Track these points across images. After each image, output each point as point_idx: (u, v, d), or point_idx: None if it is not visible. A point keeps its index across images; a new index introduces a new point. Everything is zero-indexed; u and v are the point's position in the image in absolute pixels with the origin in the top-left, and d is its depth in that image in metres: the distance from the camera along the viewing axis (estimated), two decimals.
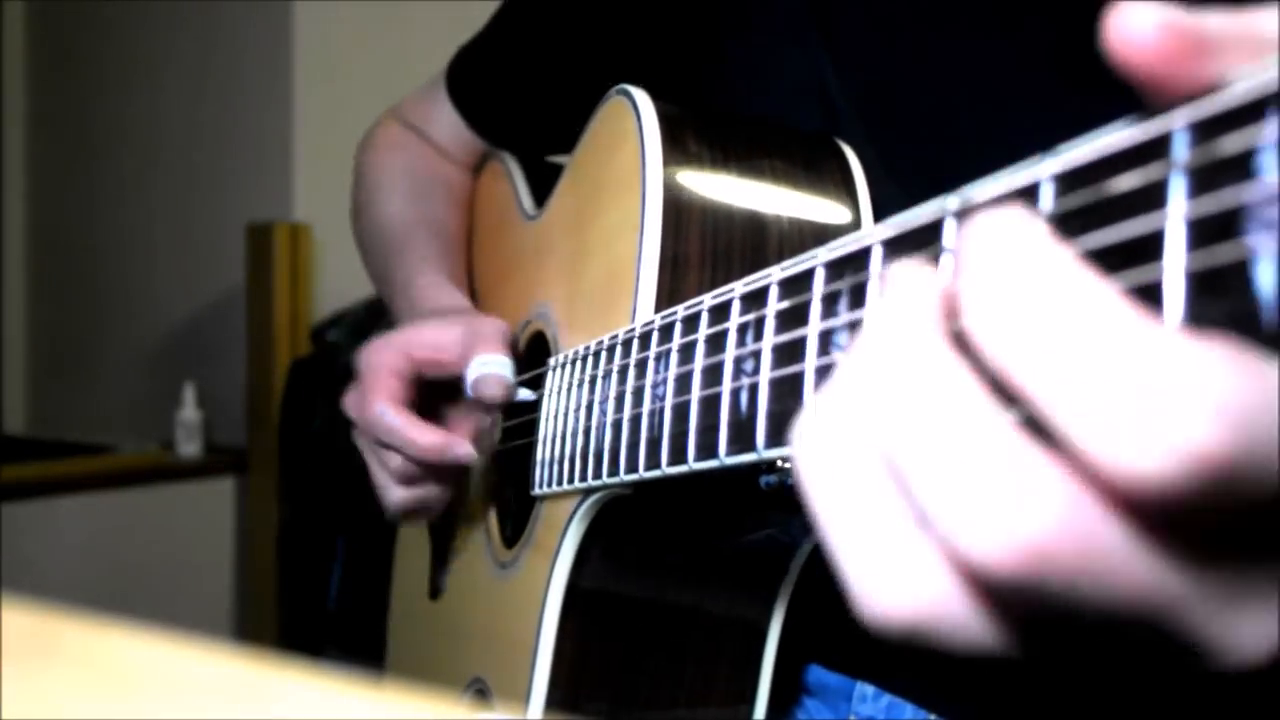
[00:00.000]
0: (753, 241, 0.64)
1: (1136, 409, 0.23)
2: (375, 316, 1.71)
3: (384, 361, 0.74)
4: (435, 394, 0.78)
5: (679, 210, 0.64)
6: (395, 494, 0.78)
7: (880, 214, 0.66)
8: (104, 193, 2.80)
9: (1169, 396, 0.23)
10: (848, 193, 0.67)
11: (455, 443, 0.74)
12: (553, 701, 0.66)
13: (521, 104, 0.95)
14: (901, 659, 0.72)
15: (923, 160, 0.69)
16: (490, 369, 0.72)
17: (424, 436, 0.73)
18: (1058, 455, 0.25)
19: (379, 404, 0.73)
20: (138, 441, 2.61)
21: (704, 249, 0.64)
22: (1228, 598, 0.26)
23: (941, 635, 0.27)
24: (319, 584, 1.81)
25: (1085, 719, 0.68)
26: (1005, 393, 0.26)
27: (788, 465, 0.56)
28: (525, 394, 0.74)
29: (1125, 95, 0.28)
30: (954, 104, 0.68)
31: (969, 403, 0.26)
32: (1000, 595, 0.26)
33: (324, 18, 2.43)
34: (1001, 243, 0.26)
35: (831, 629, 0.74)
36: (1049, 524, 0.24)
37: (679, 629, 0.68)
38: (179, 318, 2.65)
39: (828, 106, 0.73)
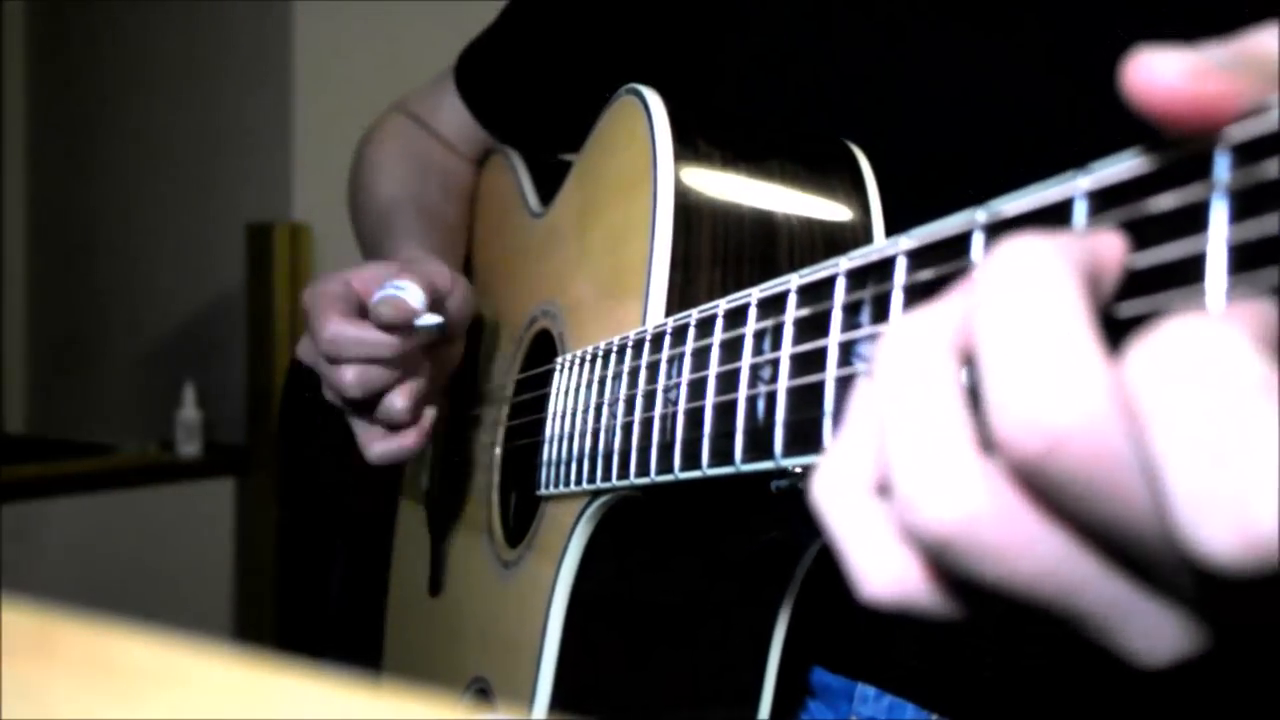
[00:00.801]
0: (763, 243, 0.64)
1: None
2: None
3: (327, 291, 0.75)
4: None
5: (689, 210, 0.64)
6: (375, 439, 0.77)
7: (890, 216, 0.66)
8: (104, 193, 2.80)
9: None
10: (858, 194, 0.67)
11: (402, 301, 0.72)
12: (557, 701, 0.66)
13: (529, 99, 0.95)
14: (902, 660, 0.72)
15: (927, 162, 0.69)
16: (389, 291, 0.72)
17: (385, 336, 0.72)
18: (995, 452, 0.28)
19: (331, 323, 0.73)
20: (138, 441, 2.61)
21: (715, 249, 0.63)
22: (1122, 599, 0.29)
23: (913, 604, 0.31)
24: (319, 584, 1.80)
25: (1084, 718, 0.68)
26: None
27: (798, 469, 0.56)
28: (429, 320, 0.73)
29: (1122, 102, 0.28)
30: (957, 105, 0.68)
31: (939, 405, 0.29)
32: (938, 567, 0.30)
33: (324, 18, 2.43)
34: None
35: (833, 631, 0.74)
36: (965, 508, 0.28)
37: (684, 631, 0.68)
38: (179, 318, 2.65)
39: (834, 106, 0.73)
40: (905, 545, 0.30)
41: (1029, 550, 0.28)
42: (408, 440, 0.77)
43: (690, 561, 0.67)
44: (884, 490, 0.31)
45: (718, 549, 0.67)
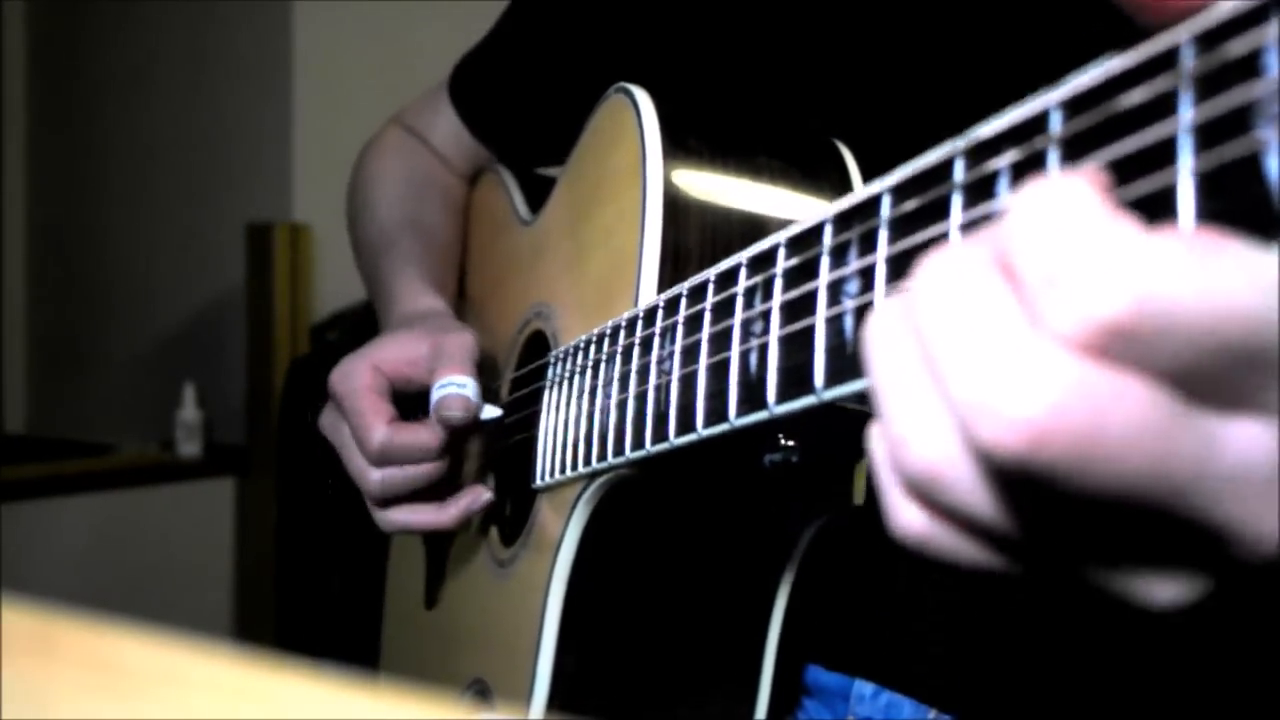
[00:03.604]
0: (751, 238, 0.64)
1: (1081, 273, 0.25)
2: (375, 316, 1.70)
3: (363, 383, 0.74)
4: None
5: (679, 204, 0.64)
6: (399, 514, 0.77)
7: None
8: (104, 193, 2.80)
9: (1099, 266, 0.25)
10: (844, 191, 0.67)
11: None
12: (554, 699, 0.66)
13: (524, 112, 0.95)
14: (900, 655, 0.72)
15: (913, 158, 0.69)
16: (450, 390, 0.72)
17: (437, 436, 0.73)
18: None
19: (380, 429, 0.72)
20: (138, 441, 2.61)
21: (703, 244, 0.64)
22: (1235, 468, 0.26)
23: (954, 508, 0.29)
24: (318, 585, 1.80)
25: (1083, 716, 0.68)
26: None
27: (790, 443, 0.56)
28: (489, 412, 0.74)
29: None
30: (946, 102, 0.68)
31: (994, 300, 0.27)
32: (1012, 483, 0.27)
33: (324, 18, 2.43)
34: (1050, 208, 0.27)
35: (829, 627, 0.74)
36: (1050, 401, 0.25)
37: (681, 628, 0.68)
38: (179, 318, 2.65)
39: (823, 108, 0.73)
40: (961, 444, 0.28)
41: (1136, 430, 0.25)
42: (442, 518, 0.76)
43: (685, 551, 0.68)
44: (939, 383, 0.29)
45: (711, 537, 0.67)
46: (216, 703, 0.25)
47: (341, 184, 1.05)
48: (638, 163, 0.65)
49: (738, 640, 0.68)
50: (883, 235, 0.37)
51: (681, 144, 0.66)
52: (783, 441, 0.55)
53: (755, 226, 0.65)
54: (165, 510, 2.47)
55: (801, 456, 0.56)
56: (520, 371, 0.82)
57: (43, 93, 2.96)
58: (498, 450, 0.84)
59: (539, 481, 0.71)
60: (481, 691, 0.78)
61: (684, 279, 0.55)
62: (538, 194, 0.88)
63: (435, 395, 0.72)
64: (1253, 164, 0.25)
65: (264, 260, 2.33)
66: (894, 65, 0.71)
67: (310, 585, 1.87)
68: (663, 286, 0.62)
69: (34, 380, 2.99)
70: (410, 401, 0.76)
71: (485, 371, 0.89)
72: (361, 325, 1.89)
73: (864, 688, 0.74)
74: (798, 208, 0.66)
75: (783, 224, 0.67)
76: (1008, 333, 0.26)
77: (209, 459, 2.50)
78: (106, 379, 2.81)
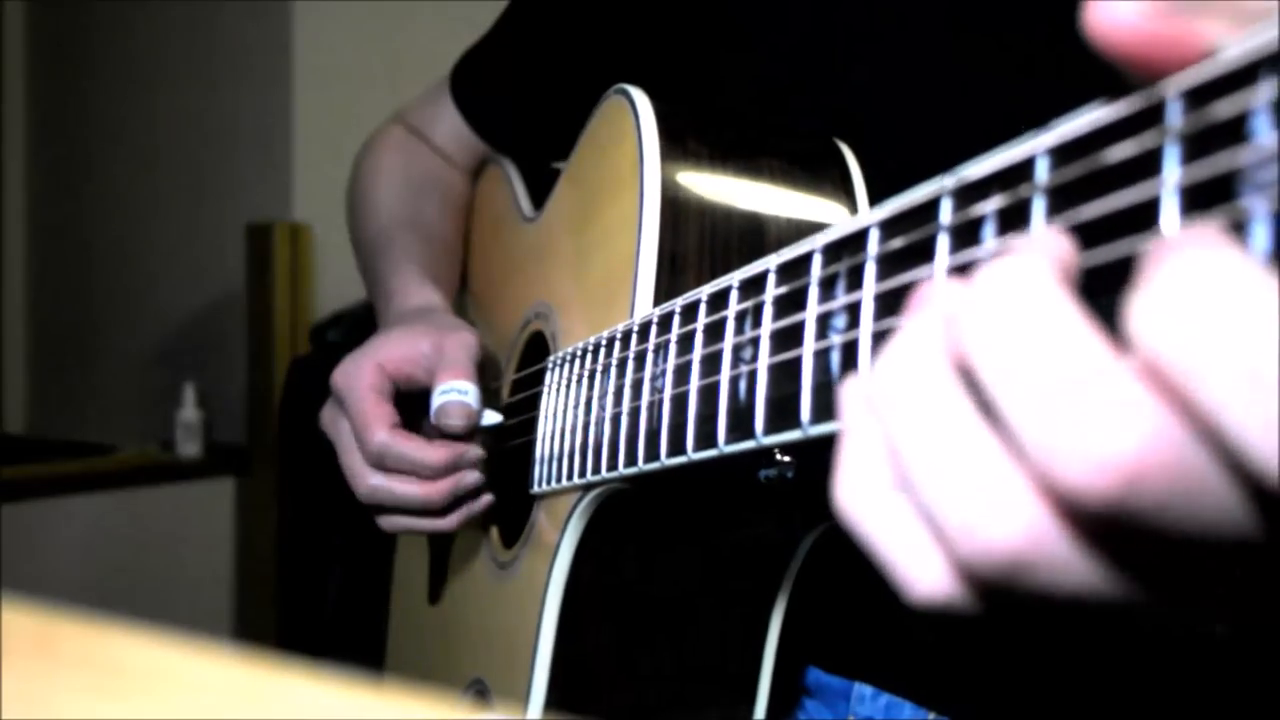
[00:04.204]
0: (751, 240, 0.64)
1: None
2: (375, 316, 1.70)
3: (366, 383, 0.73)
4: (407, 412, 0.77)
5: (677, 207, 0.64)
6: (400, 520, 0.77)
7: None
8: (104, 193, 2.80)
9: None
10: (845, 193, 0.67)
11: (464, 449, 0.73)
12: (552, 700, 0.66)
13: (525, 108, 0.95)
14: (899, 659, 0.72)
15: (915, 160, 0.69)
16: (451, 397, 0.72)
17: (435, 453, 0.72)
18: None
19: (380, 432, 0.72)
20: (138, 441, 2.61)
21: (702, 247, 0.64)
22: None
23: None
24: (319, 584, 1.80)
25: (1084, 718, 0.68)
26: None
27: (785, 459, 0.56)
28: (490, 418, 0.74)
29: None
30: (948, 105, 0.68)
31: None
32: (1095, 524, 0.27)
33: (324, 18, 2.43)
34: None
35: (828, 631, 0.74)
36: (1138, 443, 0.25)
37: (678, 629, 0.68)
38: (179, 318, 2.65)
39: (825, 109, 0.73)
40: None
41: (1220, 475, 0.25)
42: (444, 524, 0.75)
43: (682, 558, 0.68)
44: (905, 487, 0.30)
45: (709, 544, 0.67)
46: (216, 703, 0.25)
47: (341, 184, 1.05)
48: (636, 166, 0.65)
49: (737, 644, 0.68)
50: (869, 271, 0.37)
51: (680, 145, 0.65)
52: (778, 456, 0.55)
53: (756, 228, 0.65)
54: (165, 510, 2.47)
55: (797, 472, 0.56)
56: (520, 374, 0.82)
57: (43, 93, 2.96)
58: (499, 452, 0.84)
59: (536, 488, 0.71)
60: (481, 692, 0.78)
61: (682, 284, 0.55)
62: (541, 187, 0.88)
63: (436, 401, 0.72)
64: (1237, 232, 0.25)
65: (264, 260, 2.33)
66: (896, 64, 0.71)
67: (311, 585, 1.87)
68: (660, 292, 0.62)
69: (34, 380, 2.99)
70: (411, 401, 0.76)
71: (487, 369, 0.89)
72: (361, 325, 1.88)
73: (865, 688, 0.74)
74: (799, 208, 0.66)
75: (784, 224, 0.67)
76: (982, 465, 0.27)
77: (209, 459, 2.50)
78: (106, 379, 2.81)
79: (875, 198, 0.67)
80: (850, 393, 0.32)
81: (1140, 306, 0.24)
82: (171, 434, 2.51)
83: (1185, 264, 0.24)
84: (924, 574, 0.29)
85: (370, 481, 0.73)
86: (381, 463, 0.72)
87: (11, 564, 2.16)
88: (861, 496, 0.31)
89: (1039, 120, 0.67)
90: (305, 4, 2.41)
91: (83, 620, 0.28)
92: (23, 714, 0.24)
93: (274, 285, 2.32)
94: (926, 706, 0.71)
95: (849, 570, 0.71)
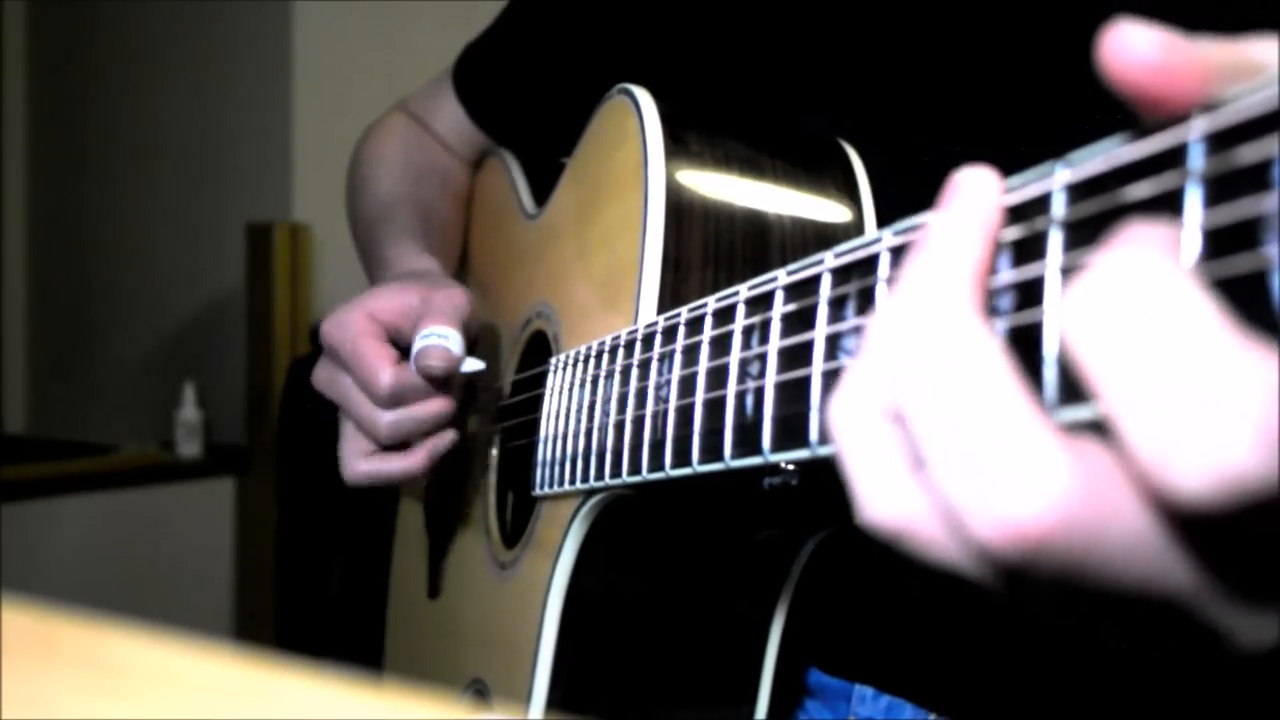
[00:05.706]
0: (755, 242, 0.64)
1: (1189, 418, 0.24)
2: None
3: (360, 329, 0.73)
4: None
5: (681, 210, 0.64)
6: (411, 459, 0.76)
7: (882, 214, 0.66)
8: (104, 193, 2.80)
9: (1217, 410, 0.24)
10: (850, 194, 0.67)
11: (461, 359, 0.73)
12: (553, 702, 0.66)
13: (527, 101, 0.95)
14: (900, 660, 0.72)
15: (919, 161, 0.69)
16: (432, 340, 0.71)
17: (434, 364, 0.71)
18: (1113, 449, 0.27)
19: (389, 370, 0.71)
20: (138, 441, 2.61)
21: (706, 249, 0.63)
22: (1237, 591, 0.27)
23: (913, 535, 0.31)
24: (318, 584, 1.80)
25: (1083, 718, 0.68)
26: (1078, 390, 0.27)
27: (790, 466, 0.56)
28: (471, 364, 0.73)
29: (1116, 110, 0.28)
30: (952, 104, 0.68)
31: (991, 373, 0.28)
32: (1003, 573, 0.29)
33: (324, 18, 2.43)
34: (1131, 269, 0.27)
35: (829, 632, 0.74)
36: (1045, 504, 0.26)
37: (680, 630, 0.68)
38: (179, 318, 2.65)
39: (829, 107, 0.73)
40: (916, 479, 0.30)
41: (1138, 544, 0.26)
42: (410, 462, 0.75)
43: (685, 561, 0.67)
44: (897, 419, 0.31)
45: (712, 548, 0.67)
46: (216, 703, 0.25)
47: (341, 184, 1.05)
48: (639, 167, 0.65)
49: (738, 645, 0.68)
50: (881, 293, 0.37)
51: (684, 145, 0.65)
52: (783, 465, 0.55)
53: (760, 230, 0.64)
54: (165, 510, 2.47)
55: (802, 480, 0.56)
56: (522, 375, 0.82)
57: (43, 92, 2.96)
58: (499, 454, 0.84)
59: (538, 490, 0.71)
60: (480, 691, 0.78)
61: (686, 287, 0.55)
62: (542, 182, 0.88)
63: (417, 345, 0.71)
64: (1259, 282, 0.24)
65: (264, 260, 2.33)
66: (899, 64, 0.71)
67: (310, 584, 1.87)
68: (664, 294, 0.62)
69: (34, 380, 2.99)
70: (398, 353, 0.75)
71: (481, 341, 0.89)
72: None
73: (865, 689, 0.74)
74: (803, 210, 0.66)
75: (788, 227, 0.67)
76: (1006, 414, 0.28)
77: (209, 459, 2.50)
78: (106, 379, 2.81)
79: (879, 198, 0.67)
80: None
81: (1068, 295, 0.26)
82: (171, 434, 2.51)
83: (1116, 261, 0.25)
84: (886, 495, 0.31)
85: (387, 419, 0.72)
86: (398, 399, 0.72)
87: (11, 564, 2.17)
88: (853, 410, 0.32)
89: (1039, 120, 0.67)
90: (305, 4, 2.41)
91: (83, 620, 0.28)
92: (23, 714, 0.24)
93: (274, 285, 2.32)
94: (927, 707, 0.71)
95: (851, 572, 0.71)
